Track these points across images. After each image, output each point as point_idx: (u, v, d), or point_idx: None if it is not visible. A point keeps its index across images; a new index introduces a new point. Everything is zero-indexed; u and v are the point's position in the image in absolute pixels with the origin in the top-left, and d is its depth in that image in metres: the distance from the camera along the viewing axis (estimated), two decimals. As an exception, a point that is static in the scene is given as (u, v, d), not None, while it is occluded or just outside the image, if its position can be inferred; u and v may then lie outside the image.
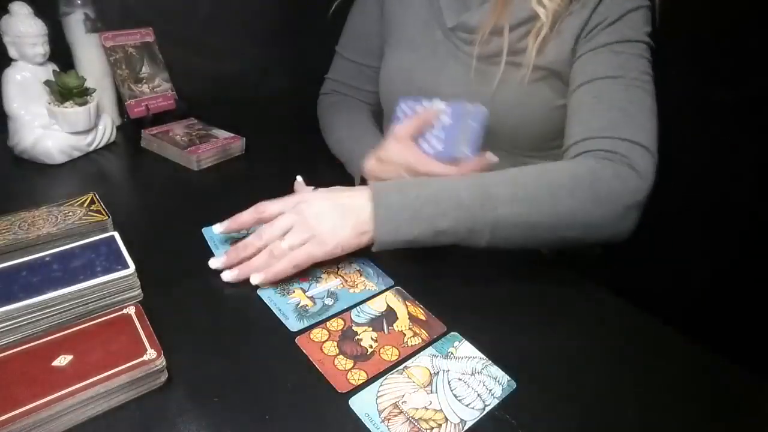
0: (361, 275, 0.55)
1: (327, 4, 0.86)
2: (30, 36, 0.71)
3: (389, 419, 0.40)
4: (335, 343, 0.46)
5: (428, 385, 0.43)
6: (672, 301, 0.74)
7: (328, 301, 0.51)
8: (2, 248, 0.50)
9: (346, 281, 0.54)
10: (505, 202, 0.53)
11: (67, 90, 0.74)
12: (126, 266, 0.47)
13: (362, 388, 0.42)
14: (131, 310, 0.44)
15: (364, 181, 0.70)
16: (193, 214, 0.66)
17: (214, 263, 0.54)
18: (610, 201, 0.54)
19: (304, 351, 0.45)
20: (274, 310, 0.49)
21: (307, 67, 0.99)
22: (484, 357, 0.46)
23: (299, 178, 0.70)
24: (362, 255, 0.58)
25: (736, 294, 0.89)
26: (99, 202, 0.59)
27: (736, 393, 0.45)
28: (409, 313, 0.51)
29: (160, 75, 0.93)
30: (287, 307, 0.50)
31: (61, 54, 0.79)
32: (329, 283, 0.54)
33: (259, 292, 0.51)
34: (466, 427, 0.40)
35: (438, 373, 0.44)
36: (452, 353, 0.46)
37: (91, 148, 0.79)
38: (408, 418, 0.40)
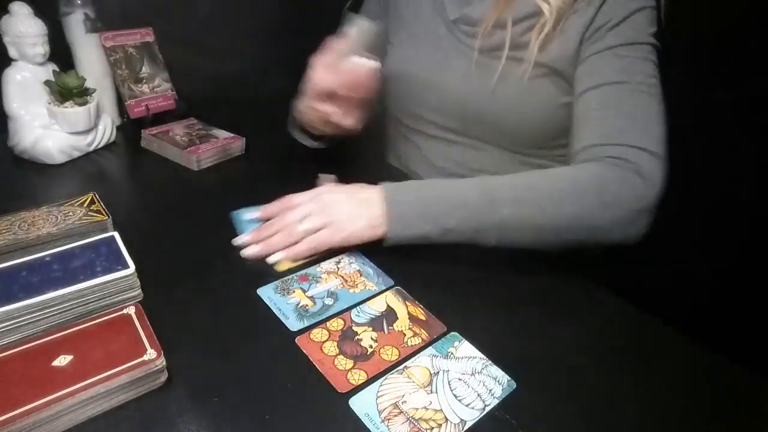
0: (361, 275, 0.55)
1: (327, 4, 0.86)
2: (30, 36, 0.71)
3: (389, 419, 0.40)
4: (335, 343, 0.46)
5: (428, 385, 0.43)
6: (672, 301, 0.74)
7: (328, 301, 0.51)
8: (2, 248, 0.50)
9: (346, 281, 0.54)
10: (509, 205, 0.54)
11: (67, 90, 0.74)
12: (126, 266, 0.47)
13: (362, 388, 0.42)
14: (131, 310, 0.44)
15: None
16: (193, 214, 0.66)
17: (238, 240, 0.58)
18: (617, 206, 0.55)
19: (304, 351, 0.45)
20: (274, 310, 0.49)
21: (306, 67, 0.99)
22: (484, 357, 0.46)
23: (322, 175, 0.71)
24: (362, 255, 0.58)
25: (736, 294, 0.89)
26: (99, 202, 0.59)
27: (736, 393, 0.45)
28: (409, 313, 0.51)
29: (160, 75, 0.93)
30: (287, 307, 0.50)
31: (61, 54, 0.79)
32: (329, 283, 0.54)
33: (259, 291, 0.52)
34: (466, 427, 0.40)
35: (438, 373, 0.44)
36: (452, 353, 0.46)
37: (91, 148, 0.79)
38: (408, 418, 0.40)
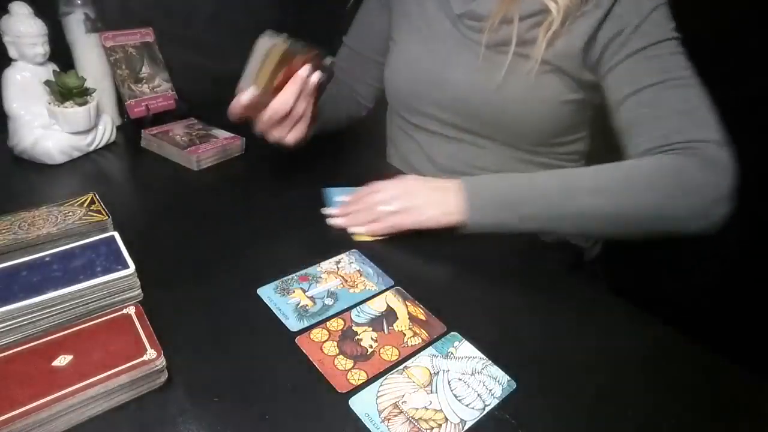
0: (361, 275, 0.55)
1: (327, 4, 0.86)
2: (30, 36, 0.71)
3: (389, 419, 0.40)
4: (335, 343, 0.46)
5: (428, 385, 0.43)
6: (672, 301, 0.74)
7: (328, 301, 0.51)
8: (2, 248, 0.50)
9: (346, 281, 0.54)
10: (588, 194, 0.56)
11: (67, 90, 0.74)
12: (126, 266, 0.47)
13: (362, 388, 0.42)
14: (131, 310, 0.44)
15: None
16: (193, 214, 0.66)
17: (327, 211, 0.66)
18: (696, 194, 0.55)
19: (304, 351, 0.45)
20: (274, 310, 0.49)
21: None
22: (484, 357, 0.46)
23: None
24: (362, 255, 0.58)
25: (736, 294, 0.89)
26: (99, 202, 0.59)
27: (736, 393, 0.45)
28: (409, 313, 0.51)
29: (160, 75, 0.93)
30: (287, 307, 0.50)
31: (61, 54, 0.79)
32: (329, 283, 0.54)
33: (259, 291, 0.52)
34: (466, 427, 0.40)
35: (438, 373, 0.44)
36: (452, 353, 0.46)
37: (91, 148, 0.79)
38: (408, 418, 0.40)
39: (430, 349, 0.47)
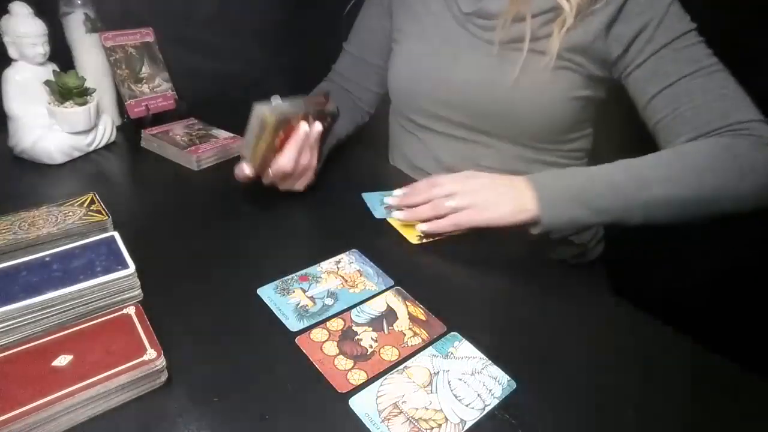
0: (361, 275, 0.55)
1: (327, 4, 0.86)
2: (30, 36, 0.71)
3: (389, 419, 0.40)
4: (335, 343, 0.46)
5: (428, 385, 0.43)
6: (672, 301, 0.74)
7: (328, 301, 0.51)
8: (2, 248, 0.50)
9: (346, 281, 0.54)
10: (656, 183, 0.57)
11: (67, 90, 0.74)
12: (126, 266, 0.47)
13: (362, 388, 0.42)
14: (131, 310, 0.44)
15: None
16: (193, 214, 0.66)
17: (389, 200, 0.65)
18: (754, 172, 0.57)
19: (304, 351, 0.45)
20: (274, 310, 0.49)
21: (307, 67, 0.99)
22: (484, 357, 0.46)
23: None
24: (362, 255, 0.58)
25: (736, 294, 0.89)
26: (99, 202, 0.59)
27: (736, 393, 0.45)
28: (409, 313, 0.51)
29: (160, 75, 0.93)
30: (287, 307, 0.50)
31: (61, 54, 0.79)
32: (329, 283, 0.54)
33: (259, 291, 0.52)
34: (466, 427, 0.40)
35: (438, 373, 0.44)
36: (452, 353, 0.46)
37: (91, 148, 0.79)
38: (408, 418, 0.40)
39: (430, 349, 0.47)
